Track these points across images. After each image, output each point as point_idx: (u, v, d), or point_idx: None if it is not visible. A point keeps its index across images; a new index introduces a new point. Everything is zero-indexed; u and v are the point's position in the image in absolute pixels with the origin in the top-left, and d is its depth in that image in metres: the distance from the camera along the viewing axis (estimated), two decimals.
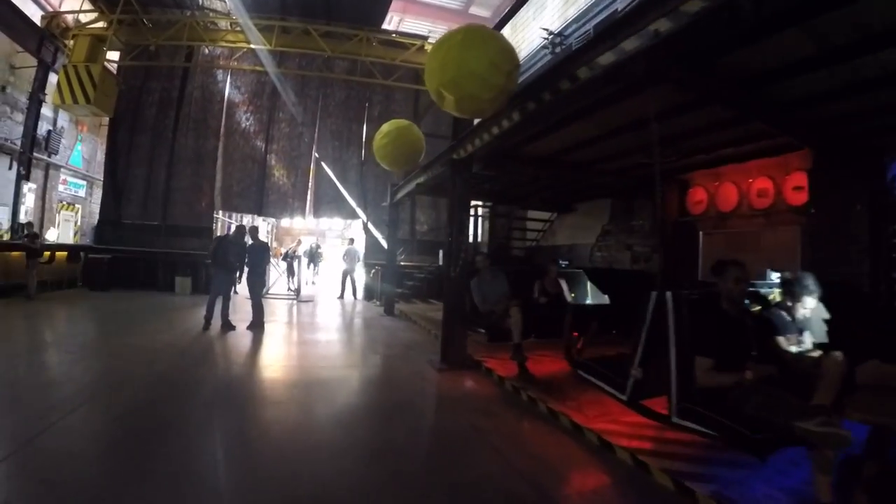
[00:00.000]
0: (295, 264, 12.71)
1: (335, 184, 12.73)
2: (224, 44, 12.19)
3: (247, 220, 14.67)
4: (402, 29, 15.48)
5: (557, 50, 10.07)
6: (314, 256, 16.68)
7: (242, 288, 7.78)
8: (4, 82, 10.99)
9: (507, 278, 5.56)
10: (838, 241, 4.90)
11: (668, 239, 6.60)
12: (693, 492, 2.44)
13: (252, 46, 11.75)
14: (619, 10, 8.07)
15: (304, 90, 12.86)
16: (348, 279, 11.99)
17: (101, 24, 11.36)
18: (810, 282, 3.07)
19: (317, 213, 13.01)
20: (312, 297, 11.74)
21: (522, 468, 2.82)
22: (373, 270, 12.20)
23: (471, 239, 9.40)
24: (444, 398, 4.40)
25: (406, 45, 12.52)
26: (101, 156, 14.13)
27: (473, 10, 16.10)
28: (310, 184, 12.84)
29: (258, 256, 7.17)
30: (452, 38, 3.78)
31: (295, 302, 10.75)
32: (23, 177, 11.42)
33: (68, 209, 14.37)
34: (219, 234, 11.95)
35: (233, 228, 7.41)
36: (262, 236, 8.01)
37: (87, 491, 2.34)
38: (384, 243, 11.54)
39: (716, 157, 6.17)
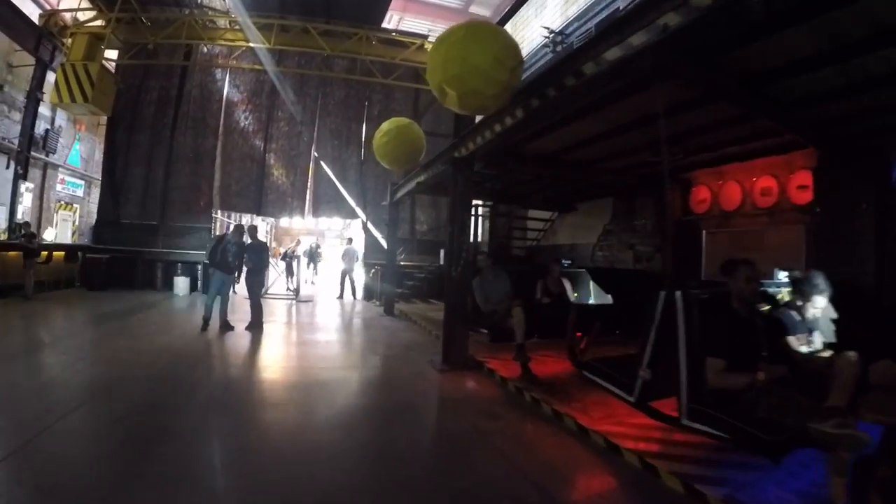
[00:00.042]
0: (294, 264, 12.64)
1: (334, 183, 12.67)
2: (223, 42, 12.12)
3: (246, 219, 14.59)
4: (402, 27, 15.42)
5: (558, 48, 10.04)
6: (314, 256, 16.61)
7: (241, 288, 7.71)
8: (2, 81, 10.90)
9: (510, 278, 5.51)
10: (843, 240, 4.87)
11: (671, 238, 6.54)
12: (704, 495, 2.38)
13: (251, 45, 11.69)
14: (621, 8, 8.04)
15: (304, 89, 12.79)
16: (347, 279, 11.93)
17: (99, 23, 11.29)
18: (820, 281, 3.03)
19: (316, 212, 12.94)
20: (312, 298, 11.68)
21: (527, 471, 2.76)
22: (372, 270, 12.14)
23: (471, 238, 9.36)
24: (445, 399, 4.35)
25: (406, 43, 12.46)
26: (99, 155, 14.06)
27: (473, 8, 16.05)
28: (309, 183, 12.77)
29: (257, 256, 7.11)
30: (455, 33, 3.71)
31: (294, 302, 10.68)
32: (20, 176, 11.35)
33: (66, 209, 14.29)
34: (217, 233, 11.89)
35: (231, 228, 7.34)
36: (261, 236, 7.95)
37: (83, 496, 2.28)
38: (384, 243, 11.48)
39: (719, 155, 6.12)
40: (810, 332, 2.99)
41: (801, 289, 3.05)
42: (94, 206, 13.36)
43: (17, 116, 11.37)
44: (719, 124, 4.91)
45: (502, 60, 3.58)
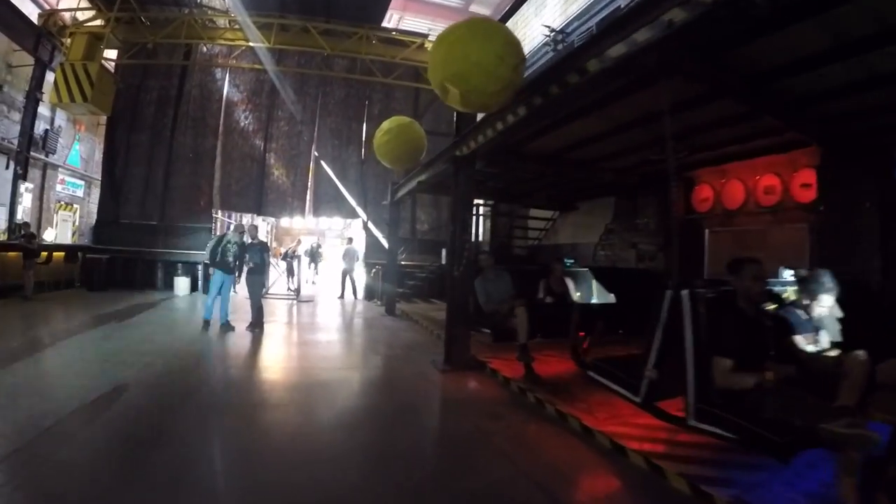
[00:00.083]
0: (295, 264, 12.61)
1: (335, 183, 12.62)
2: (222, 42, 12.08)
3: (246, 219, 14.56)
4: (402, 27, 15.38)
5: (559, 47, 9.99)
6: (315, 256, 16.59)
7: (242, 288, 7.69)
8: (1, 81, 10.86)
9: (512, 277, 5.47)
10: (847, 239, 4.84)
11: (677, 237, 6.50)
12: (711, 496, 2.35)
13: (251, 44, 11.64)
14: (622, 6, 8.00)
15: (304, 88, 12.75)
16: (348, 279, 11.91)
17: (98, 22, 11.25)
18: (827, 279, 3.00)
19: (316, 212, 12.91)
20: (312, 297, 11.65)
21: (531, 473, 2.73)
22: (373, 270, 12.11)
23: (473, 238, 9.33)
24: (448, 400, 4.32)
25: (406, 42, 12.42)
26: (99, 155, 14.01)
27: (474, 7, 16.01)
28: (309, 183, 12.73)
29: (257, 256, 7.08)
30: (457, 30, 3.68)
31: (295, 302, 10.65)
32: (20, 176, 11.31)
33: (66, 209, 14.25)
34: (218, 233, 11.85)
35: (231, 228, 7.31)
36: (262, 236, 7.92)
37: (83, 499, 2.25)
38: (385, 242, 11.45)
39: (722, 154, 6.10)
40: (817, 330, 2.96)
41: (808, 287, 3.02)
42: (94, 207, 13.32)
43: (17, 116, 11.33)
44: (722, 122, 4.89)
45: (504, 57, 3.54)
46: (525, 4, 11.18)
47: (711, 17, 2.45)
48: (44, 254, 9.59)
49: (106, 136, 12.28)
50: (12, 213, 11.00)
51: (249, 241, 7.06)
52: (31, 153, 11.69)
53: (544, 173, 7.29)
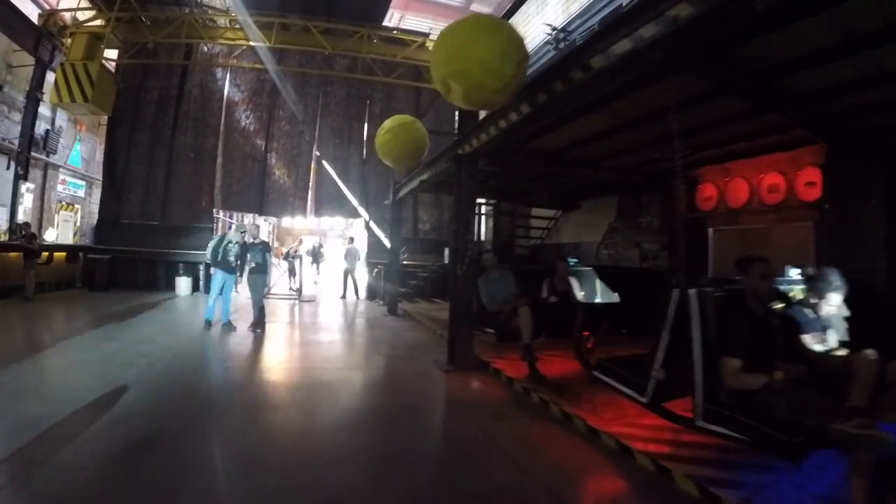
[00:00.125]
0: (296, 264, 12.59)
1: (336, 182, 12.59)
2: (223, 41, 12.05)
3: (247, 219, 14.55)
4: (403, 26, 15.33)
5: (561, 46, 9.95)
6: (316, 256, 16.58)
7: (243, 288, 7.66)
8: (2, 81, 10.83)
9: (515, 277, 5.44)
10: (853, 237, 4.80)
11: (682, 235, 6.47)
12: (720, 498, 2.32)
13: (251, 44, 11.62)
14: (624, 4, 7.96)
15: (305, 88, 12.72)
16: (350, 278, 11.89)
17: (98, 22, 11.23)
18: (835, 277, 2.97)
19: (318, 212, 12.89)
20: (314, 297, 11.63)
21: (536, 475, 2.69)
22: (375, 270, 12.09)
23: (475, 237, 9.29)
24: (451, 401, 4.29)
25: (407, 42, 12.39)
26: (100, 155, 13.99)
27: (475, 6, 15.96)
28: (310, 182, 12.71)
29: (259, 256, 7.06)
30: (460, 27, 3.65)
31: (297, 302, 10.63)
32: (20, 177, 11.29)
33: (67, 209, 14.24)
34: (219, 233, 11.83)
35: (233, 227, 7.29)
36: (263, 236, 7.90)
37: (83, 500, 2.23)
38: (386, 242, 11.42)
39: (726, 152, 6.06)
40: (825, 330, 2.93)
41: (816, 286, 3.00)
42: (95, 207, 13.32)
43: (17, 117, 11.31)
44: (726, 120, 4.85)
45: (508, 54, 3.51)
46: (526, 3, 11.15)
47: (717, 13, 2.42)
48: (45, 254, 9.58)
49: (107, 136, 12.26)
50: (13, 213, 10.99)
51: (251, 240, 7.04)
52: (32, 153, 11.67)
53: (547, 172, 7.24)
